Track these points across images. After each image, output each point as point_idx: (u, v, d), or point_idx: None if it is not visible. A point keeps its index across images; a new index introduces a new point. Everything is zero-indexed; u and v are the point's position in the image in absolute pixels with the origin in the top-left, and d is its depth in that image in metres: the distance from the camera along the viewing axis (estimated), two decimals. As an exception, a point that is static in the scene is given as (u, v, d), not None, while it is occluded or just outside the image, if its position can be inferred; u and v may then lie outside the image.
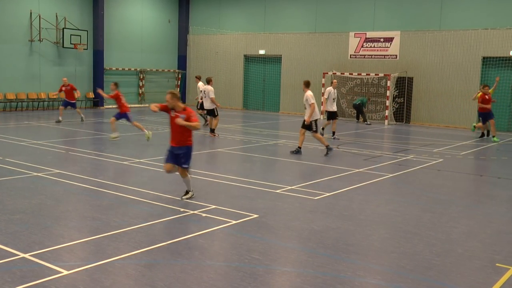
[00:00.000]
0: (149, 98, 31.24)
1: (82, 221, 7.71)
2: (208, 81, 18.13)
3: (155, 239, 6.83)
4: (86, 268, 5.76)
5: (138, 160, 12.60)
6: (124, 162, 12.29)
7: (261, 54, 29.96)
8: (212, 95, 17.62)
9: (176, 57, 33.05)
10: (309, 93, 14.07)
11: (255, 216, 8.05)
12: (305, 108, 14.33)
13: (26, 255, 6.07)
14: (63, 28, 26.36)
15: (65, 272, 5.62)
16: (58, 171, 10.98)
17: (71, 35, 26.56)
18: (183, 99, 33.09)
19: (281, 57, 29.17)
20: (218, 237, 7.11)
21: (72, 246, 6.54)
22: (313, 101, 13.91)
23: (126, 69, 29.87)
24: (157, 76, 32.03)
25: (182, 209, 8.25)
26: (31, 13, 25.46)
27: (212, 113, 17.83)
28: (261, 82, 30.54)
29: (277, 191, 9.81)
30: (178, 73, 32.92)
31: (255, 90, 30.61)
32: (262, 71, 30.38)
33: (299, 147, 14.37)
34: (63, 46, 26.45)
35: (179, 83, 32.91)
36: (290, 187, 10.13)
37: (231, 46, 30.98)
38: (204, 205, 8.56)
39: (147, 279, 5.56)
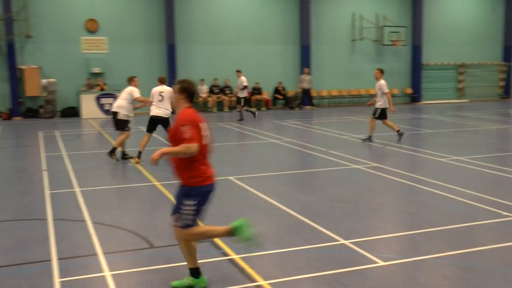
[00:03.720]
0: (469, 93, 29.77)
1: (397, 215, 7.82)
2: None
3: (473, 242, 6.46)
4: (401, 262, 5.81)
5: (456, 158, 12.10)
6: (442, 159, 11.95)
7: None
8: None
9: (501, 48, 30.54)
10: (383, 81, 14.30)
11: None
12: (376, 96, 14.47)
13: (346, 242, 6.44)
14: (382, 26, 27.18)
15: (381, 263, 5.77)
16: (376, 164, 11.35)
17: (390, 32, 27.24)
18: (507, 93, 30.44)
19: None
20: (548, 247, 6.31)
21: (388, 239, 6.67)
22: (388, 89, 14.29)
23: (445, 63, 29.03)
24: (478, 69, 30.17)
25: (504, 213, 7.61)
26: (353, 14, 26.97)
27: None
28: None
29: None
30: (504, 65, 30.34)
31: None
32: None
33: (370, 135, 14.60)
34: (382, 44, 27.29)
35: (504, 77, 30.33)
36: None
37: None
38: (531, 210, 7.71)
39: (464, 283, 5.30)
